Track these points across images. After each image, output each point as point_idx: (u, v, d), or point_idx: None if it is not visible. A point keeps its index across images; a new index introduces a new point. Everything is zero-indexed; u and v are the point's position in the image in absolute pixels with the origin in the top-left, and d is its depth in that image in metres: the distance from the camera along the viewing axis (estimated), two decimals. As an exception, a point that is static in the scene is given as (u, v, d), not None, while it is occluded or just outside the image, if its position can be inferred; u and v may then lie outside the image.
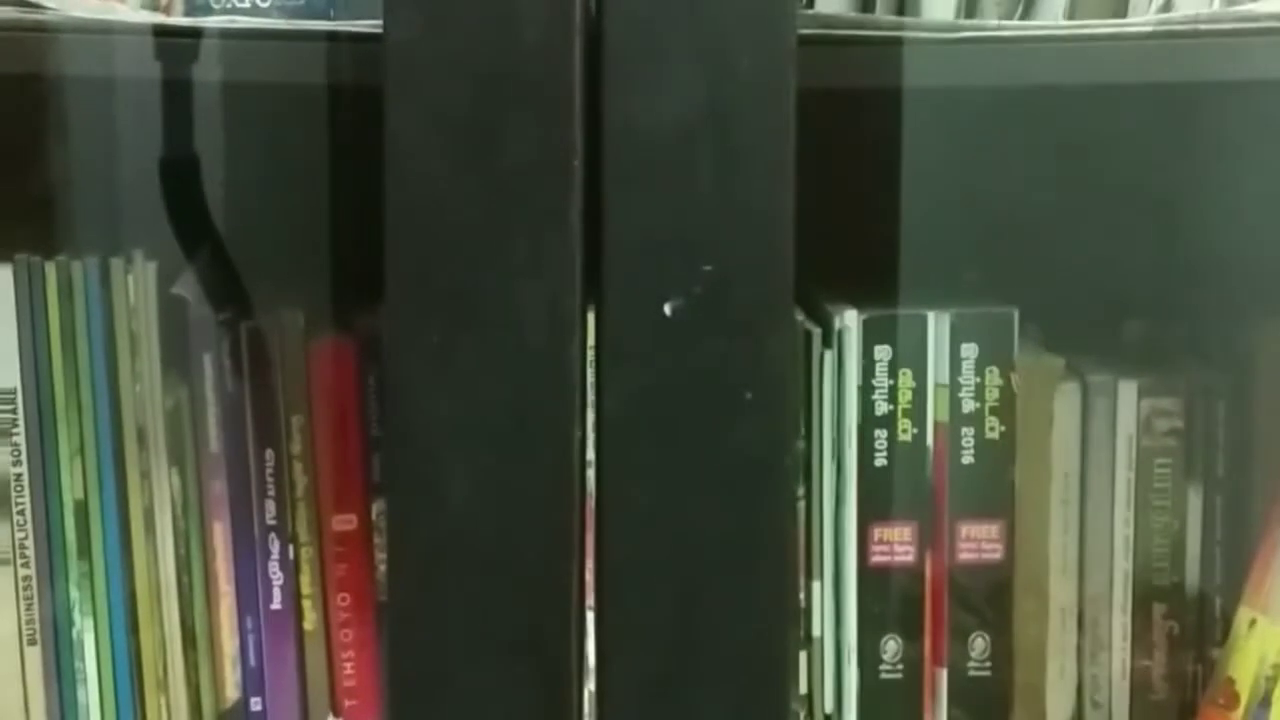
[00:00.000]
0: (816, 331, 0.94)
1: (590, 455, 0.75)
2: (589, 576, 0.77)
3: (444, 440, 0.74)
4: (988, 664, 0.95)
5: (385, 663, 0.78)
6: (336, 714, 0.98)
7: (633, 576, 0.76)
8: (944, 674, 0.95)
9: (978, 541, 0.95)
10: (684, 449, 0.75)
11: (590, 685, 0.76)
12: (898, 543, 0.94)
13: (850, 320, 0.93)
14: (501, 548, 0.75)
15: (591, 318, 0.74)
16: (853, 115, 0.92)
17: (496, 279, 0.73)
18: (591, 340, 0.75)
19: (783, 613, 0.80)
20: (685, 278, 0.73)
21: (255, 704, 0.96)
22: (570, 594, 0.75)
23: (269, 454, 0.95)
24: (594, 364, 0.74)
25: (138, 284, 0.92)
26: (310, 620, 0.96)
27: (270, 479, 0.96)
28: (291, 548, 0.96)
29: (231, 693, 0.95)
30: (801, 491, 0.95)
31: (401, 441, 0.75)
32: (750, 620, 0.76)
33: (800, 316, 0.94)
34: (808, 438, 0.94)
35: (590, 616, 0.77)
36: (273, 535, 0.96)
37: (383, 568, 0.96)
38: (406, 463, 0.75)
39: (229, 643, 0.96)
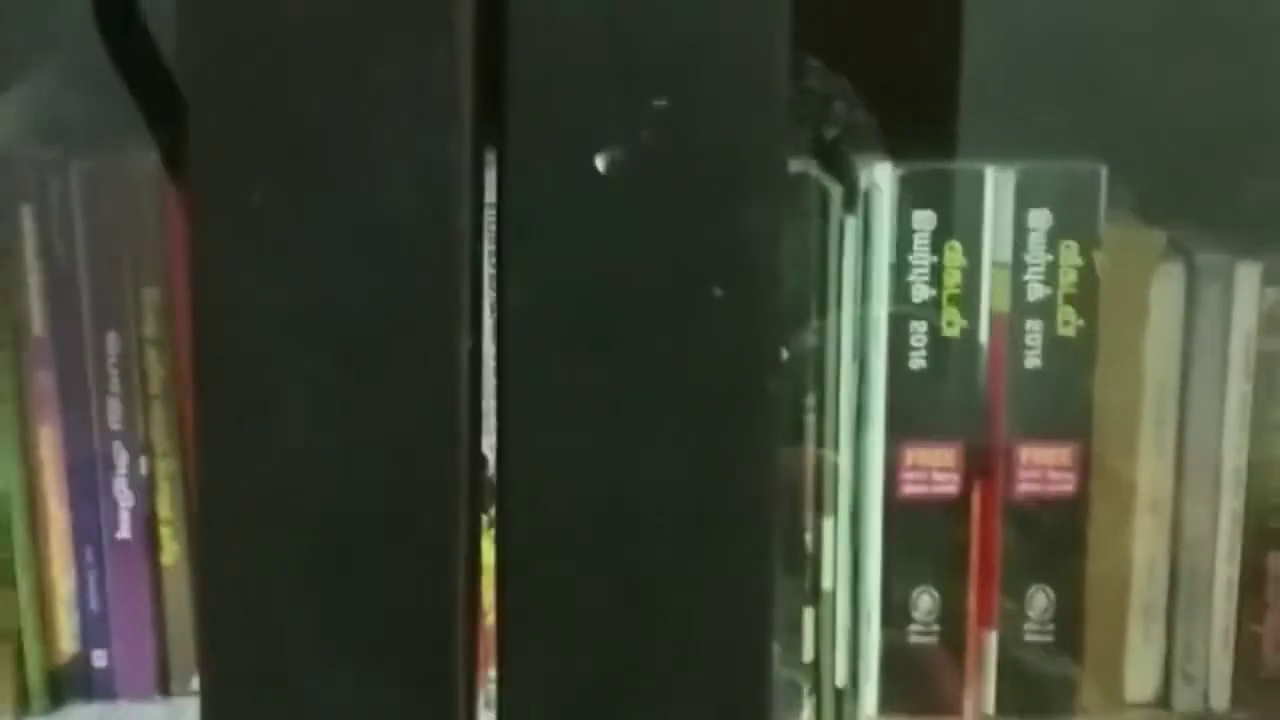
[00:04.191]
0: (836, 190, 0.83)
1: (488, 374, 0.59)
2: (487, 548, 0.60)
3: (275, 350, 0.57)
4: (1050, 626, 0.87)
5: (199, 659, 0.63)
6: (205, 670, 0.87)
7: (547, 546, 0.58)
8: (993, 638, 0.87)
9: (1043, 469, 0.86)
10: (623, 366, 0.58)
11: (485, 697, 0.60)
12: (937, 469, 0.86)
13: (882, 176, 0.83)
14: (359, 503, 0.57)
15: (490, 173, 0.58)
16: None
17: (351, 116, 0.55)
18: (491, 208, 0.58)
19: (761, 596, 0.62)
20: (627, 116, 0.56)
21: (98, 658, 0.86)
22: (454, 569, 0.58)
23: (112, 338, 0.84)
24: (493, 242, 0.58)
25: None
26: (170, 553, 0.86)
27: (114, 370, 0.84)
28: (145, 460, 0.85)
29: (67, 645, 0.86)
30: (811, 401, 0.83)
31: (215, 351, 0.57)
32: (714, 607, 0.59)
33: (813, 169, 0.82)
34: (821, 331, 0.84)
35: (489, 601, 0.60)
36: (118, 443, 0.85)
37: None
38: (221, 382, 0.57)
39: (62, 582, 0.85)
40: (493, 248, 0.58)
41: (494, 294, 0.58)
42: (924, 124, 0.89)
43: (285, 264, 0.56)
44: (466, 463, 0.57)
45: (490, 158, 0.57)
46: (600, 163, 0.56)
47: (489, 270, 0.58)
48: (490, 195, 0.57)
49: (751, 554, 0.58)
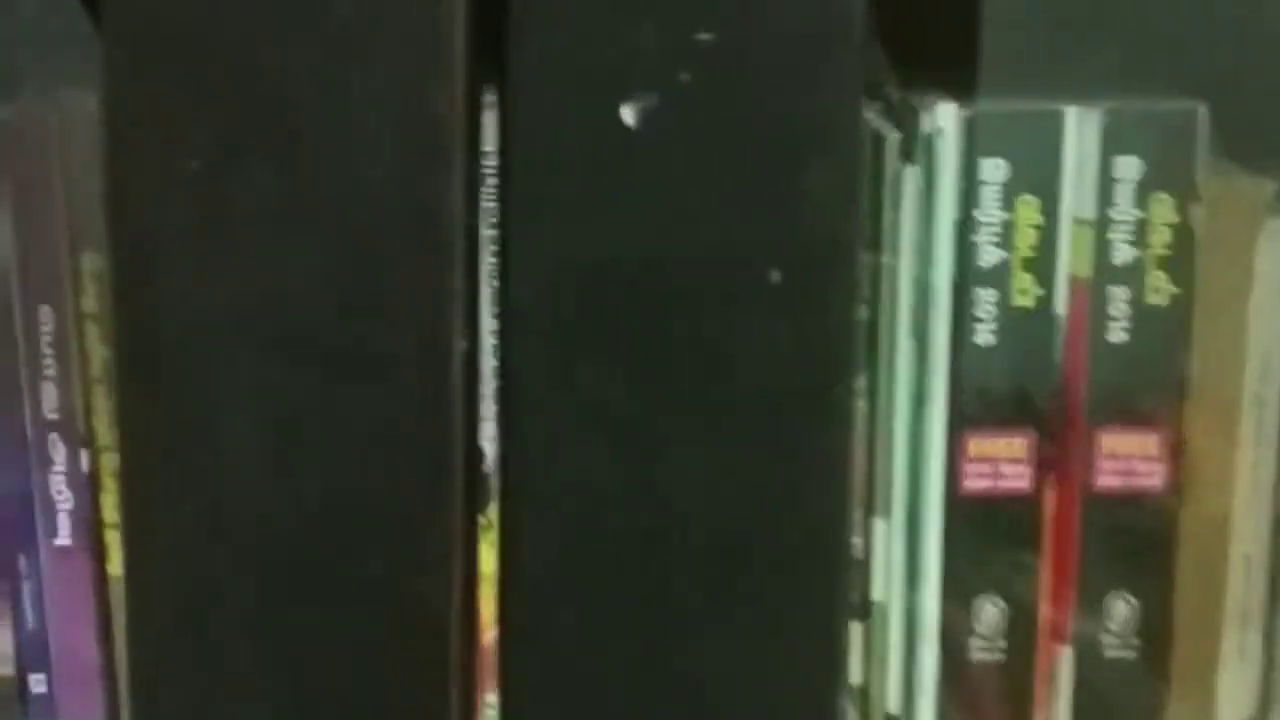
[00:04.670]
0: (892, 136, 0.76)
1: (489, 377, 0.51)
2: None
3: (215, 348, 0.48)
4: (1134, 640, 0.80)
5: (128, 691, 0.56)
6: (160, 695, 0.82)
7: (561, 582, 0.49)
8: (1067, 654, 0.79)
9: (1127, 460, 0.79)
10: (656, 369, 0.49)
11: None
12: (1006, 460, 0.78)
13: (945, 118, 0.75)
14: (309, 527, 0.49)
15: (492, 122, 0.49)
16: None
17: (315, 56, 0.46)
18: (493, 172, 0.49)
19: (828, 647, 0.53)
20: (662, 54, 0.47)
21: (36, 683, 0.79)
22: (448, 608, 0.49)
23: (45, 313, 0.77)
24: (495, 215, 0.49)
25: None
26: (118, 561, 0.78)
27: (49, 351, 0.77)
28: (86, 454, 0.78)
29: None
30: (861, 383, 0.76)
31: (142, 348, 0.49)
32: (762, 653, 0.52)
33: (868, 112, 0.75)
34: (873, 301, 0.76)
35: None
36: (55, 436, 0.77)
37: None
38: (151, 383, 0.49)
39: (-9, 595, 0.80)
40: (493, 222, 0.49)
41: (495, 281, 0.50)
42: (990, 58, 0.82)
43: (229, 243, 0.47)
44: (460, 482, 0.48)
45: (490, 102, 0.48)
46: (629, 113, 0.48)
47: (489, 252, 0.50)
48: (489, 146, 0.48)
49: (813, 593, 0.50)
